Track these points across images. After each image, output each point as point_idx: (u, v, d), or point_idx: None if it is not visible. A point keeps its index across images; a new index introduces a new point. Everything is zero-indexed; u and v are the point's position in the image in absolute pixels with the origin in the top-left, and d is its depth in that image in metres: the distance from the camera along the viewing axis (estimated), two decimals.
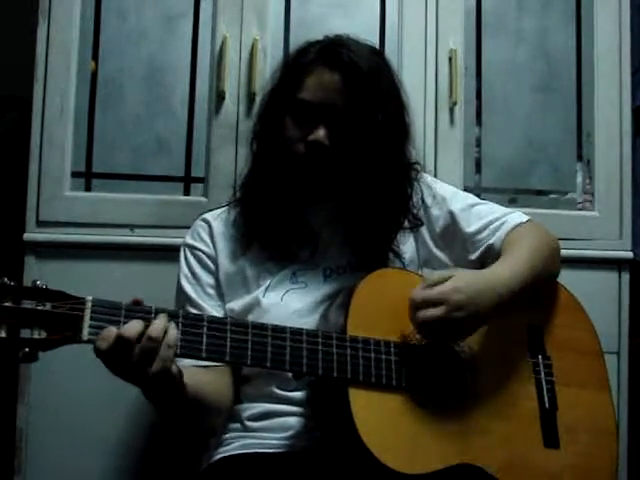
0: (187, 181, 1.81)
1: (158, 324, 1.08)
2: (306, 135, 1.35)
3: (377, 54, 1.45)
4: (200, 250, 1.43)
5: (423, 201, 1.46)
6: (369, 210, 1.39)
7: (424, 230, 1.46)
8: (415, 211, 1.45)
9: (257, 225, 1.41)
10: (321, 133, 1.34)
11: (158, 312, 1.11)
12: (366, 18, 1.87)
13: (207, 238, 1.44)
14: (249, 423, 1.33)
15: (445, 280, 1.21)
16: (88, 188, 1.79)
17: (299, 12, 1.85)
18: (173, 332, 1.09)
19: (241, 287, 1.40)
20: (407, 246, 1.44)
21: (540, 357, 1.33)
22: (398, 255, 1.43)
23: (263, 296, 1.37)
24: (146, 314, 1.10)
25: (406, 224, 1.44)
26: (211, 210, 1.51)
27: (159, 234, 1.74)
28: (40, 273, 1.68)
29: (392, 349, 1.22)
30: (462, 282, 1.22)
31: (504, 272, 1.28)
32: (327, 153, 1.34)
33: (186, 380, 1.17)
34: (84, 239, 1.73)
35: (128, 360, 1.06)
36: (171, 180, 1.81)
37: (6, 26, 2.28)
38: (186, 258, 1.44)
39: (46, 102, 1.74)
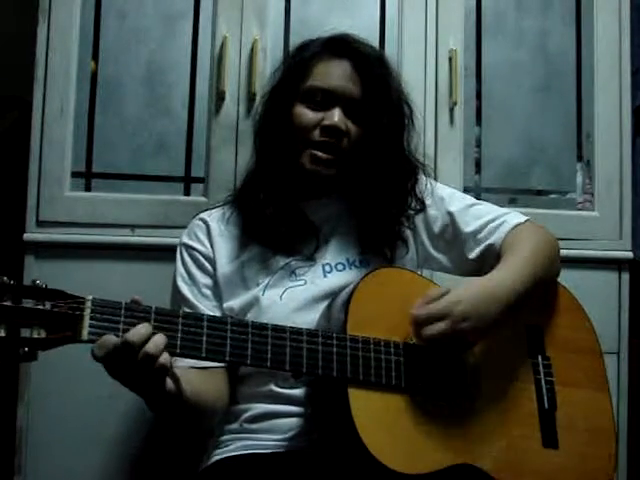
0: (187, 181, 1.81)
1: (158, 340, 1.06)
2: (320, 121, 1.36)
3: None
4: (197, 250, 1.42)
5: (422, 200, 1.45)
6: (379, 196, 1.39)
7: (422, 231, 1.47)
8: (419, 194, 1.44)
9: (257, 222, 1.40)
10: (336, 117, 1.35)
11: (158, 312, 1.09)
12: (366, 18, 1.87)
13: (204, 238, 1.43)
14: (247, 424, 1.33)
15: (446, 293, 1.21)
16: (88, 188, 1.79)
17: (299, 12, 1.86)
18: (166, 357, 1.07)
19: (239, 286, 1.39)
20: (408, 244, 1.45)
21: (540, 357, 1.33)
22: (404, 241, 1.43)
23: (262, 294, 1.36)
24: (146, 314, 1.08)
25: (412, 205, 1.43)
26: (208, 209, 1.51)
27: (159, 234, 1.74)
28: (40, 273, 1.68)
29: (392, 349, 1.21)
30: (464, 292, 1.21)
31: (506, 278, 1.27)
32: (342, 137, 1.35)
33: (183, 385, 1.17)
34: (84, 239, 1.73)
35: (127, 366, 1.04)
36: (171, 180, 1.81)
37: (6, 26, 2.28)
38: (182, 258, 1.43)
39: (46, 102, 1.74)
